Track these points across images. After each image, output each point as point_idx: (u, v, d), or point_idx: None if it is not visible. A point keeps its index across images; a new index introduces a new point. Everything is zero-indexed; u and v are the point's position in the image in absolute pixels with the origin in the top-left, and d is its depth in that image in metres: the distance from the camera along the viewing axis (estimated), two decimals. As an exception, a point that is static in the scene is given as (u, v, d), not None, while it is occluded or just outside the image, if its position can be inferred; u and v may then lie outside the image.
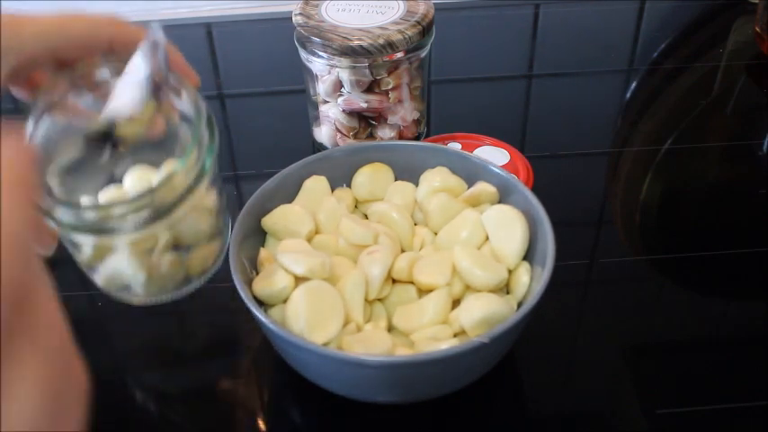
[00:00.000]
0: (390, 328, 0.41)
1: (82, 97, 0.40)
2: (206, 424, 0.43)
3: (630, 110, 0.68)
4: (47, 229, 0.34)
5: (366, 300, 0.41)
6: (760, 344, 0.46)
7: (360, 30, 0.52)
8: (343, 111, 0.55)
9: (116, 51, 0.39)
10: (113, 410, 0.43)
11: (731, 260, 0.51)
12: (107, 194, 0.40)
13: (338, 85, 0.54)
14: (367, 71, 0.53)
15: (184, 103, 0.38)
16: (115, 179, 0.41)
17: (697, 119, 0.65)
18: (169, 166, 0.39)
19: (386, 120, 0.56)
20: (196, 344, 0.47)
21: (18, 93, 0.40)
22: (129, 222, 0.34)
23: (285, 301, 0.40)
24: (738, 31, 0.76)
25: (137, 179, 0.41)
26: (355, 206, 0.49)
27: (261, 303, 0.41)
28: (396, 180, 0.49)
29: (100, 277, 0.41)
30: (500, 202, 0.46)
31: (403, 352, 0.38)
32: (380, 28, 0.52)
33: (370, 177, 0.48)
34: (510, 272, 0.43)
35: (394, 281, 0.43)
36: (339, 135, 0.57)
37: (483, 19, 0.80)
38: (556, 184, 0.57)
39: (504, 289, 0.43)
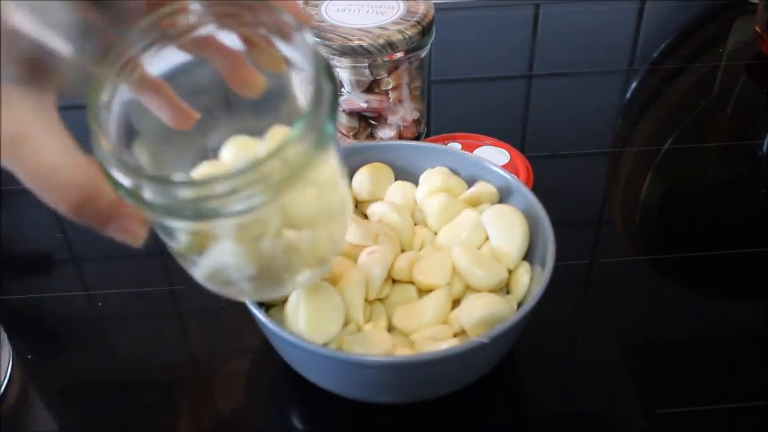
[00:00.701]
0: (390, 328, 0.41)
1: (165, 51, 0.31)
2: (206, 424, 0.43)
3: (630, 110, 0.68)
4: (134, 215, 0.29)
5: (366, 300, 0.41)
6: (760, 344, 0.46)
7: (360, 30, 0.52)
8: (344, 111, 0.55)
9: None
10: (113, 410, 0.43)
11: (731, 260, 0.51)
12: (201, 171, 0.33)
13: (338, 85, 0.54)
14: (367, 71, 0.53)
15: (295, 49, 0.29)
16: (208, 153, 0.33)
17: (697, 119, 0.65)
18: (278, 131, 0.32)
19: (386, 120, 0.56)
20: (196, 344, 0.47)
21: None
22: (233, 203, 0.27)
23: (285, 301, 0.40)
24: (738, 31, 0.76)
25: (237, 151, 0.33)
26: (355, 206, 0.49)
27: (261, 303, 0.41)
28: (396, 180, 0.49)
29: (200, 271, 0.33)
30: (500, 202, 0.46)
31: (403, 352, 0.38)
32: (380, 28, 0.52)
33: (370, 177, 0.48)
34: (510, 272, 0.43)
35: (394, 281, 0.43)
36: (339, 135, 0.57)
37: (483, 19, 0.80)
38: (556, 184, 0.57)
39: (504, 289, 0.43)
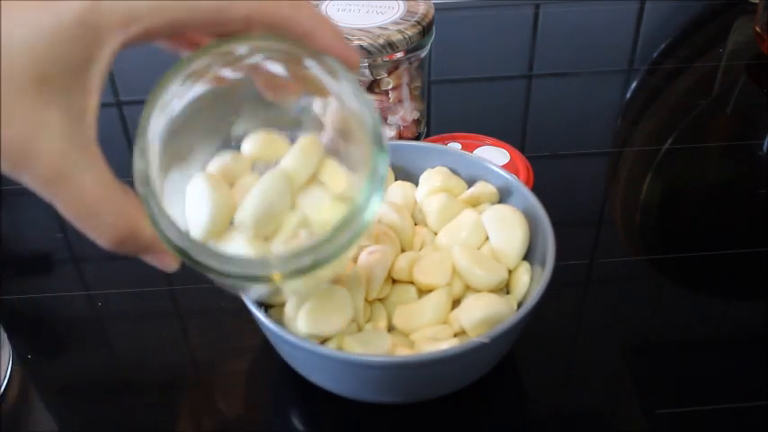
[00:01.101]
0: (390, 328, 0.41)
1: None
2: (206, 424, 0.43)
3: (630, 110, 0.68)
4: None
5: (366, 300, 0.41)
6: (760, 344, 0.46)
7: (360, 30, 0.52)
8: (343, 111, 0.55)
9: (254, 30, 0.29)
10: (113, 410, 0.43)
11: (731, 260, 0.51)
12: (222, 161, 0.33)
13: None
14: (367, 71, 0.53)
15: (341, 88, 0.30)
16: (231, 142, 0.34)
17: (697, 119, 0.65)
18: (308, 144, 0.33)
19: (386, 120, 0.56)
20: (196, 344, 0.47)
21: None
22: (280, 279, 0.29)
23: (285, 301, 0.40)
24: (738, 31, 0.76)
25: (260, 148, 0.33)
26: None
27: (261, 303, 0.41)
28: (396, 180, 0.49)
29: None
30: (500, 202, 0.46)
31: (403, 352, 0.38)
32: (380, 28, 0.52)
33: None
34: (510, 272, 0.43)
35: (394, 281, 0.43)
36: (339, 135, 0.57)
37: (483, 19, 0.80)
38: (556, 184, 0.57)
39: (504, 289, 0.43)
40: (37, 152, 0.25)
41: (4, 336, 0.46)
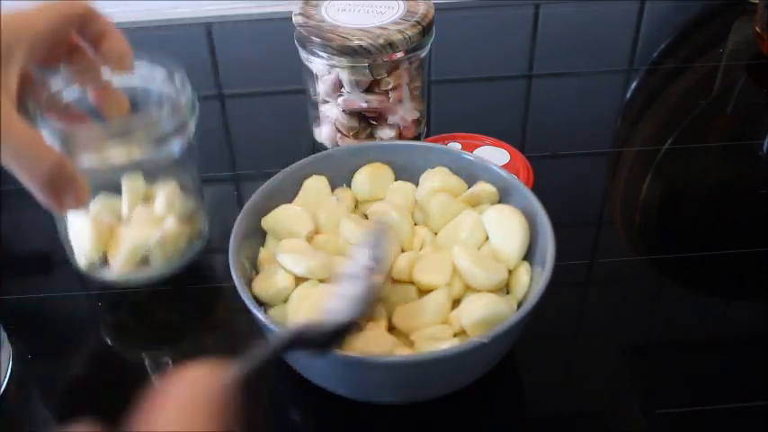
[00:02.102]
0: (390, 328, 0.41)
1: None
2: (206, 424, 0.43)
3: (630, 110, 0.68)
4: (83, 184, 0.38)
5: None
6: (760, 344, 0.46)
7: (360, 30, 0.52)
8: (343, 111, 0.55)
9: (88, 28, 0.41)
10: (113, 410, 0.43)
11: (731, 260, 0.51)
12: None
13: (338, 85, 0.54)
14: (367, 71, 0.53)
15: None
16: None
17: (697, 119, 0.65)
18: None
19: (386, 120, 0.56)
20: (196, 344, 0.47)
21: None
22: None
23: (285, 301, 0.40)
24: (738, 31, 0.76)
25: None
26: (355, 206, 0.49)
27: (261, 303, 0.41)
28: (396, 180, 0.49)
29: None
30: (500, 202, 0.46)
31: (403, 352, 0.38)
32: (380, 28, 0.52)
33: (371, 177, 0.48)
34: (510, 272, 0.43)
35: (394, 281, 0.43)
36: (339, 135, 0.57)
37: (483, 19, 0.80)
38: (556, 184, 0.57)
39: (504, 289, 0.43)
40: None
41: (4, 336, 0.46)
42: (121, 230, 0.47)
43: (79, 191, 0.38)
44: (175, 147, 0.44)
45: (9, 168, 0.36)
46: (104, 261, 0.47)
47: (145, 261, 0.48)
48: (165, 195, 0.48)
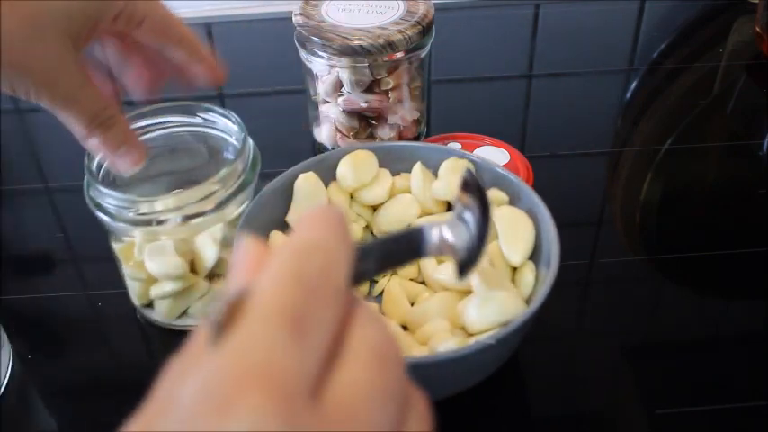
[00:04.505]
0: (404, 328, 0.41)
1: None
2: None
3: (630, 110, 0.68)
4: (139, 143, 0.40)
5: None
6: (760, 344, 0.46)
7: (360, 30, 0.52)
8: (343, 111, 0.55)
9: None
10: (113, 410, 0.43)
11: (731, 260, 0.51)
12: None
13: (338, 85, 0.54)
14: (367, 71, 0.53)
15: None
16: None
17: (697, 119, 0.65)
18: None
19: (386, 120, 0.56)
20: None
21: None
22: None
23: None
24: (738, 31, 0.76)
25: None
26: (351, 197, 0.48)
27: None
28: (378, 166, 0.48)
29: None
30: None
31: (406, 352, 0.38)
32: (380, 28, 0.52)
33: (353, 166, 0.47)
34: (515, 271, 0.43)
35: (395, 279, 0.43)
36: (339, 135, 0.57)
37: (483, 19, 0.80)
38: (556, 184, 0.57)
39: (512, 287, 0.43)
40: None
41: (4, 336, 0.46)
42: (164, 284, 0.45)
43: (125, 134, 0.38)
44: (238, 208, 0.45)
45: (54, 111, 0.37)
46: (150, 305, 0.47)
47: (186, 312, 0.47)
48: (213, 257, 0.46)
